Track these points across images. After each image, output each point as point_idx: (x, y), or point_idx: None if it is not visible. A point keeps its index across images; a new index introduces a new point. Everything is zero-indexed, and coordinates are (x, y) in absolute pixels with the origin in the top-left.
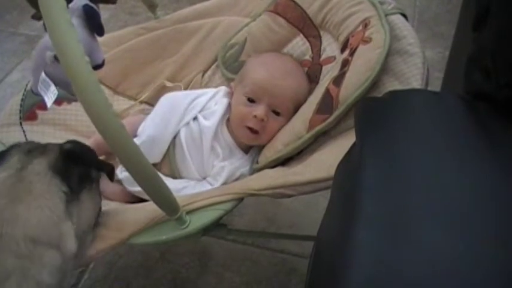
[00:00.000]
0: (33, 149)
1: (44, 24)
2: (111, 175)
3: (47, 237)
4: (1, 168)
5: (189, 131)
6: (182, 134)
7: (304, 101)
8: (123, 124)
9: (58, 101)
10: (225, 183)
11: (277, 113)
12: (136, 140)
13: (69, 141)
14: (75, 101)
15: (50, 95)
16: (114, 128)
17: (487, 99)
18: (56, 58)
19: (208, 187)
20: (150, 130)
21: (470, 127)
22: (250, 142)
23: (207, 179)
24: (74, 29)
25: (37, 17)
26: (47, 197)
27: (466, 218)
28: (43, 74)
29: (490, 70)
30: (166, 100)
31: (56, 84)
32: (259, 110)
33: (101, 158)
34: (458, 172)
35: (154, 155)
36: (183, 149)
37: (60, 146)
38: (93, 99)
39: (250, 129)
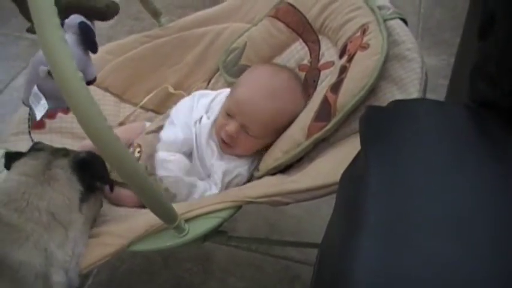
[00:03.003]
0: (57, 151)
1: None
2: (111, 189)
3: (62, 218)
4: (31, 157)
5: (195, 130)
6: (193, 132)
7: (289, 122)
8: (117, 136)
9: (65, 110)
10: (223, 183)
11: (249, 133)
12: (174, 132)
13: (85, 151)
14: None
15: (40, 108)
16: (109, 140)
17: (492, 107)
18: (49, 73)
19: (213, 186)
20: (181, 123)
21: (475, 136)
22: (224, 151)
23: (210, 177)
24: (67, 46)
25: (32, 30)
26: (67, 188)
27: (469, 225)
28: (35, 88)
29: (495, 77)
30: (180, 106)
31: (48, 98)
32: (230, 126)
33: None
34: (462, 180)
35: (187, 145)
36: (192, 146)
37: (77, 153)
38: (86, 113)
39: (223, 140)
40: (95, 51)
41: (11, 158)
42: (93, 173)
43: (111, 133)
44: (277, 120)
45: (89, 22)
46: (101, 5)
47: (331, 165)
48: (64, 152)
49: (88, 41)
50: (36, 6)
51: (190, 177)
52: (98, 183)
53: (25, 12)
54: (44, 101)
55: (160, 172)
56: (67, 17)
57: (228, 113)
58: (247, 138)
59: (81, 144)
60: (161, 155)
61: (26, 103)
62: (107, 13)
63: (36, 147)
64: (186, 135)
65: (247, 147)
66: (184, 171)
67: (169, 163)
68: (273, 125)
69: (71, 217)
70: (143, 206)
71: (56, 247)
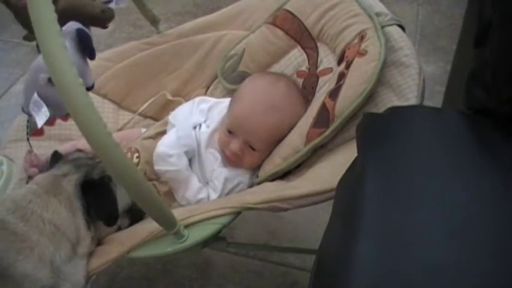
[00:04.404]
0: (84, 165)
1: (37, 46)
2: (107, 223)
3: (69, 233)
4: (55, 168)
5: (195, 136)
6: (192, 137)
7: (289, 131)
8: (117, 143)
9: (64, 117)
10: (223, 189)
11: (253, 148)
12: (174, 132)
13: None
14: None
15: (42, 116)
16: (109, 147)
17: (488, 114)
18: (50, 81)
19: (212, 192)
20: (179, 123)
21: (471, 143)
22: (230, 165)
23: (209, 183)
24: (67, 53)
25: (28, 38)
26: (69, 203)
27: (466, 231)
28: (35, 95)
29: (491, 85)
30: (180, 108)
31: (48, 106)
32: (234, 144)
33: None
34: (458, 186)
35: (190, 142)
36: (192, 151)
37: (93, 172)
38: (87, 119)
39: (228, 156)
40: (92, 57)
41: (56, 158)
42: (92, 198)
43: (111, 139)
44: (279, 132)
45: (86, 29)
46: (96, 11)
47: (330, 171)
48: (89, 169)
49: (86, 48)
50: (37, 14)
51: (188, 171)
52: (92, 210)
53: (21, 19)
54: (45, 109)
55: (161, 166)
56: (63, 24)
57: (229, 130)
58: (252, 153)
59: (64, 146)
60: (162, 149)
61: (25, 110)
62: (102, 19)
63: (72, 157)
64: (185, 135)
65: (253, 161)
66: (183, 165)
67: (171, 157)
68: (276, 137)
69: (79, 234)
70: None
71: (63, 261)
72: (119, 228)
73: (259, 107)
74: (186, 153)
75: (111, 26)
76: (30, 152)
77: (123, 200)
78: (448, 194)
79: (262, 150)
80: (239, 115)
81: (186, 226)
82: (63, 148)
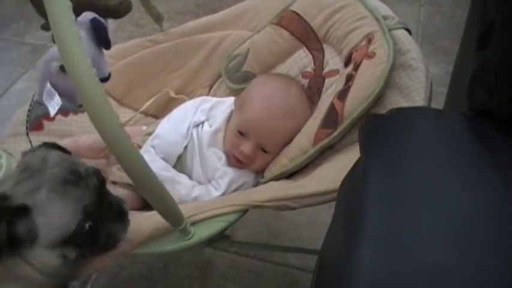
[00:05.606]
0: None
1: (52, 35)
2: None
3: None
4: None
5: (197, 134)
6: (194, 136)
7: (297, 133)
8: (128, 135)
9: (64, 112)
10: (228, 189)
11: (265, 151)
12: (152, 136)
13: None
14: (82, 112)
15: (54, 105)
16: (120, 138)
17: (491, 116)
18: (61, 69)
19: (213, 190)
20: (165, 126)
21: (473, 144)
22: (237, 167)
23: (211, 182)
24: (82, 42)
25: (46, 27)
26: None
27: (468, 233)
28: (48, 84)
29: (493, 87)
30: (178, 108)
31: (60, 95)
32: (246, 146)
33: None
34: (461, 188)
35: (172, 148)
36: (193, 150)
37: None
38: (99, 110)
39: (237, 158)
40: (107, 47)
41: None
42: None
43: (123, 131)
44: (292, 136)
45: (101, 19)
46: (113, 3)
47: (337, 171)
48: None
49: (101, 37)
50: (51, 2)
51: (169, 172)
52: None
53: (39, 8)
54: (57, 98)
55: None
56: (78, 15)
57: (241, 131)
58: (263, 155)
59: (63, 141)
60: None
61: (40, 101)
62: (120, 10)
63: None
64: (163, 143)
65: (263, 163)
66: (160, 167)
67: None
68: (288, 140)
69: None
70: (142, 208)
71: None
72: (65, 257)
73: (277, 113)
74: (165, 158)
75: (113, 25)
76: (24, 154)
77: (61, 224)
78: (450, 195)
79: (274, 152)
80: (255, 119)
81: (192, 223)
82: (63, 143)
